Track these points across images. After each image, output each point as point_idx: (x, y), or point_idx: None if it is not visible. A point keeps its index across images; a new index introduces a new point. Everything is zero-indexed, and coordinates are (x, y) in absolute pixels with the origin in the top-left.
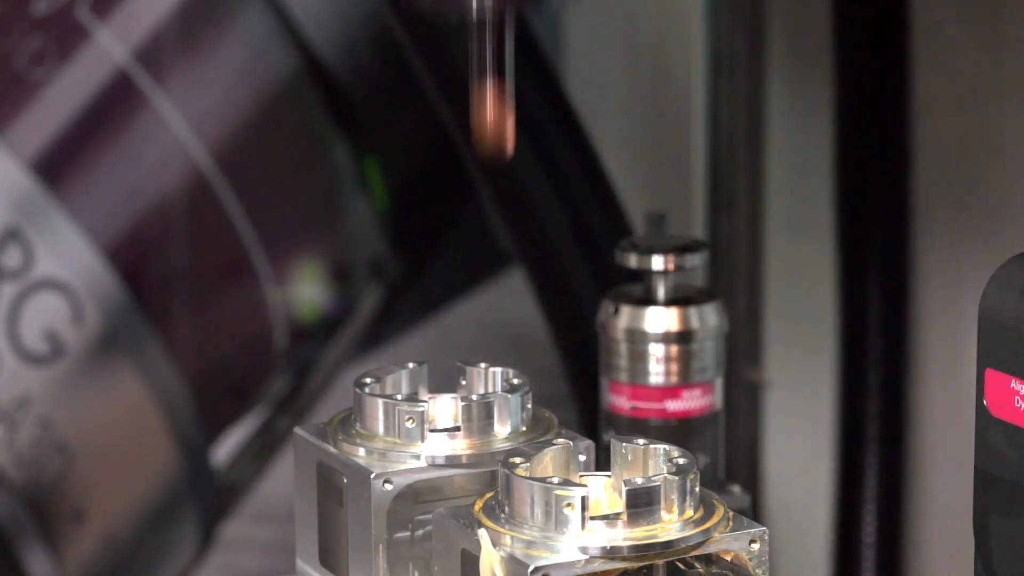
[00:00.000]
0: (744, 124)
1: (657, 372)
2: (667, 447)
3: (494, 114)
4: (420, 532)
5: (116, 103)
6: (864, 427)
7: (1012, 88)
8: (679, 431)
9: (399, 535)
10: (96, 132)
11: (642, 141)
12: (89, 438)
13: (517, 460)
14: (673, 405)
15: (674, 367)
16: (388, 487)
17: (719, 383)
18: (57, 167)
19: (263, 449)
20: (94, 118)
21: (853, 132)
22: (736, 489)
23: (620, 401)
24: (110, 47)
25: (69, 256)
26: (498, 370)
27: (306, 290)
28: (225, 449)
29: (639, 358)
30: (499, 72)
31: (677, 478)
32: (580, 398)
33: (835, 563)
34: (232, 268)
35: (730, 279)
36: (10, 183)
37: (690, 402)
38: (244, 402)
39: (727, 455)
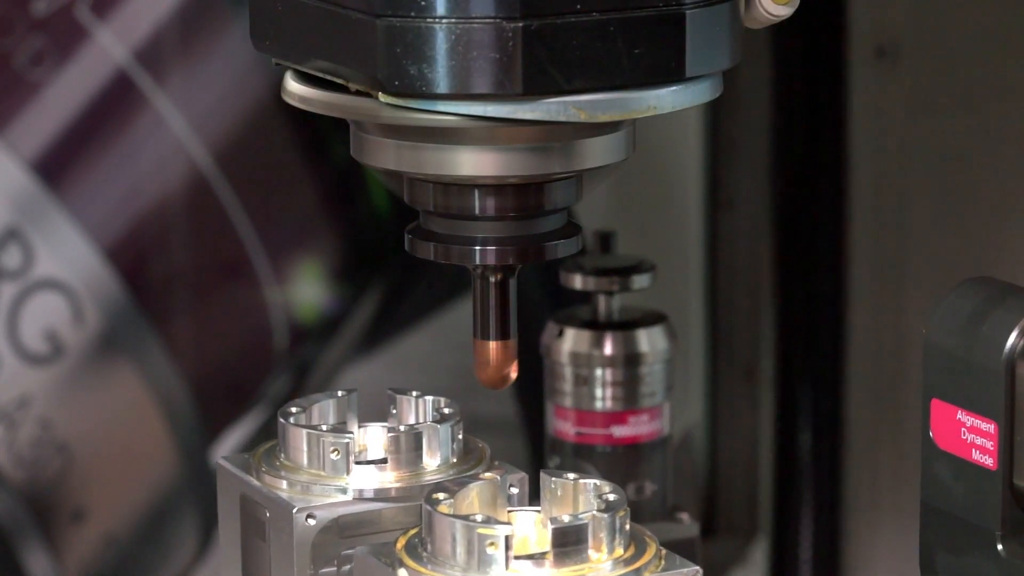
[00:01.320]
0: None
1: (603, 397)
2: (598, 482)
3: (497, 358)
4: (347, 568)
5: (116, 103)
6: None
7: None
8: (626, 457)
9: (324, 570)
10: (96, 132)
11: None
12: (89, 438)
13: (440, 496)
14: (620, 431)
15: (620, 392)
16: (311, 522)
17: (667, 408)
18: (57, 167)
19: None
20: (94, 118)
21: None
22: (684, 516)
23: (565, 427)
24: (110, 47)
25: (69, 256)
26: (429, 399)
27: (306, 290)
28: (225, 449)
29: (584, 382)
30: (503, 324)
31: (606, 515)
32: (528, 424)
33: None
34: (232, 268)
35: (730, 279)
36: (10, 183)
37: (638, 427)
38: (244, 402)
39: (676, 481)
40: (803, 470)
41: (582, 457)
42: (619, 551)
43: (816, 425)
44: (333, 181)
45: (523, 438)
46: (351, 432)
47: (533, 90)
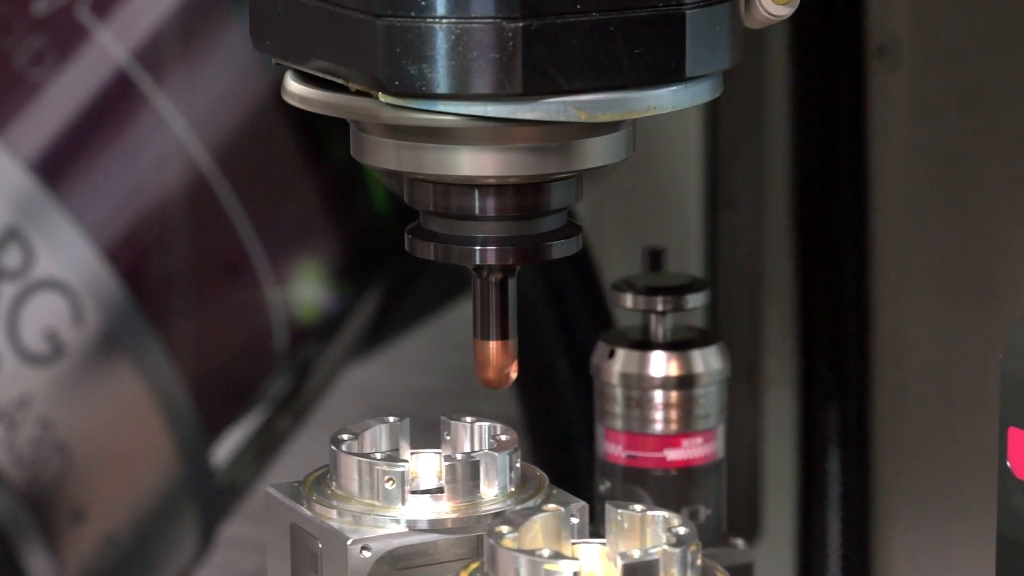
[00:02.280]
0: (744, 124)
1: (656, 419)
2: (667, 515)
3: (497, 358)
4: None
5: (116, 103)
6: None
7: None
8: (679, 481)
9: None
10: (96, 132)
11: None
12: (89, 438)
13: (504, 530)
14: (673, 454)
15: (674, 414)
16: (366, 554)
17: (721, 430)
18: (57, 167)
19: (263, 449)
20: (94, 118)
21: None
22: (739, 542)
23: (616, 450)
24: (110, 47)
25: (69, 256)
26: (485, 425)
27: (306, 290)
28: (225, 449)
29: (636, 404)
30: (503, 324)
31: (678, 551)
32: (533, 430)
33: None
34: (232, 268)
35: (730, 279)
36: (10, 183)
37: (691, 451)
38: (244, 402)
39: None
40: (829, 481)
41: (633, 481)
42: None
43: (841, 434)
44: (333, 181)
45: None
46: (405, 460)
47: (533, 90)
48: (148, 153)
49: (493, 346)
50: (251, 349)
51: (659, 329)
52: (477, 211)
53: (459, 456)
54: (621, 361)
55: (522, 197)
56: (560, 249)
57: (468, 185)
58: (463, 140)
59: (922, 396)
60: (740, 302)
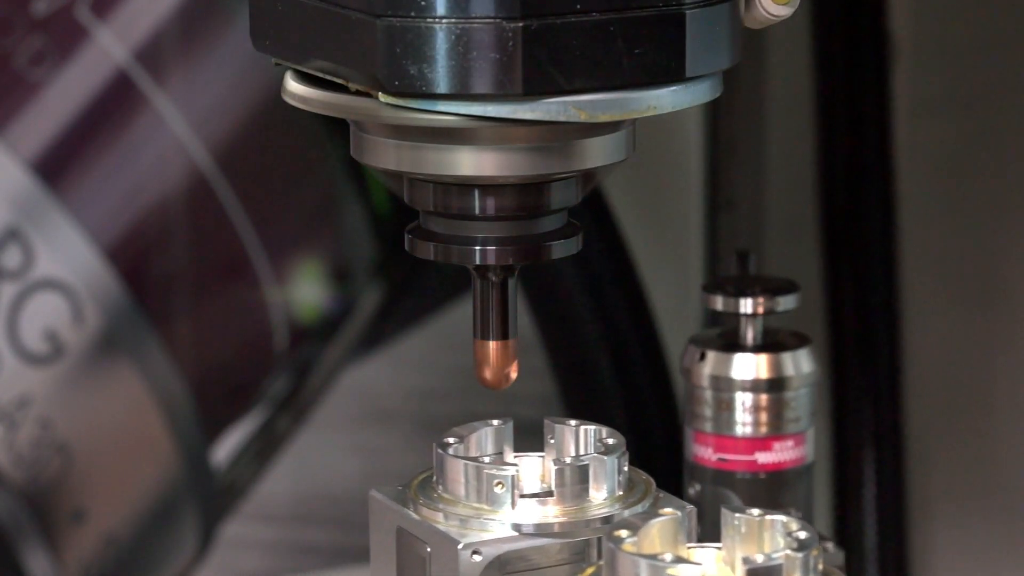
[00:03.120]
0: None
1: (745, 422)
2: (784, 519)
3: (497, 358)
4: None
5: (116, 103)
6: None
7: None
8: (769, 484)
9: None
10: (96, 132)
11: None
12: (89, 438)
13: (623, 534)
14: (764, 457)
15: (764, 417)
16: (477, 558)
17: (811, 433)
18: (57, 167)
19: (263, 449)
20: (94, 118)
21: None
22: (830, 546)
23: (705, 452)
24: (110, 47)
25: (69, 256)
26: (590, 428)
27: (306, 290)
28: (225, 449)
29: (726, 407)
30: (503, 324)
31: (800, 555)
32: (664, 448)
33: None
34: (232, 268)
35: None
36: (10, 183)
37: (782, 454)
38: (244, 402)
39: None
40: (864, 482)
41: (722, 484)
42: None
43: (875, 435)
44: (333, 181)
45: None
46: (515, 464)
47: (533, 90)
48: (148, 153)
49: (493, 346)
50: (251, 349)
51: (749, 331)
52: (477, 211)
53: (567, 460)
54: (711, 363)
55: (522, 197)
56: (560, 249)
57: (468, 185)
58: (463, 140)
59: (954, 395)
60: None
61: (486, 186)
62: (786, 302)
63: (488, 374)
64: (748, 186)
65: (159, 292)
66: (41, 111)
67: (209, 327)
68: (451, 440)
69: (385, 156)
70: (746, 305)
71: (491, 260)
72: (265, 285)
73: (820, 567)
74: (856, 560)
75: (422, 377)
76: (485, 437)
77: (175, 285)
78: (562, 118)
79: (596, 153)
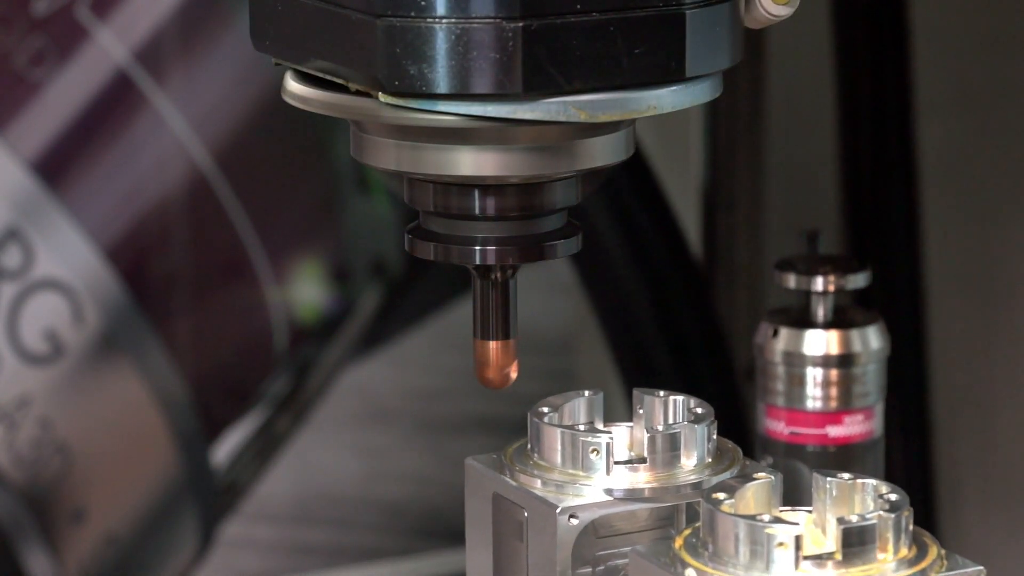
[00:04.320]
0: (744, 124)
1: (816, 397)
2: (875, 482)
3: (497, 358)
4: (601, 568)
5: (116, 103)
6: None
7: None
8: (838, 458)
9: (581, 571)
10: (96, 132)
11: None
12: (89, 438)
13: (721, 496)
14: (835, 431)
15: (834, 392)
16: (574, 522)
17: (880, 408)
18: (57, 167)
19: (263, 449)
20: (94, 118)
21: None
22: None
23: (777, 426)
24: (110, 47)
25: (69, 256)
26: (679, 398)
27: (306, 290)
28: (225, 449)
29: (798, 382)
30: (503, 324)
31: (893, 515)
32: (733, 422)
33: None
34: (232, 268)
35: (730, 279)
36: (10, 183)
37: (851, 428)
38: (244, 402)
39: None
40: (894, 471)
41: (794, 456)
42: (903, 551)
43: (904, 428)
44: (333, 181)
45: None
46: (609, 432)
47: (533, 90)
48: (148, 153)
49: (493, 346)
50: (251, 349)
51: (820, 308)
52: (477, 211)
53: (660, 428)
54: (784, 339)
55: (522, 197)
56: (560, 249)
57: (468, 185)
58: (463, 140)
59: (977, 386)
60: (740, 302)
61: (486, 186)
62: (856, 280)
63: (488, 374)
64: (748, 186)
65: (159, 292)
66: (41, 111)
67: (209, 327)
68: (545, 409)
69: (385, 156)
70: (817, 283)
71: (491, 260)
72: (265, 285)
73: (911, 527)
74: None
75: (422, 377)
76: (578, 407)
77: (175, 285)
78: (562, 118)
79: (596, 153)
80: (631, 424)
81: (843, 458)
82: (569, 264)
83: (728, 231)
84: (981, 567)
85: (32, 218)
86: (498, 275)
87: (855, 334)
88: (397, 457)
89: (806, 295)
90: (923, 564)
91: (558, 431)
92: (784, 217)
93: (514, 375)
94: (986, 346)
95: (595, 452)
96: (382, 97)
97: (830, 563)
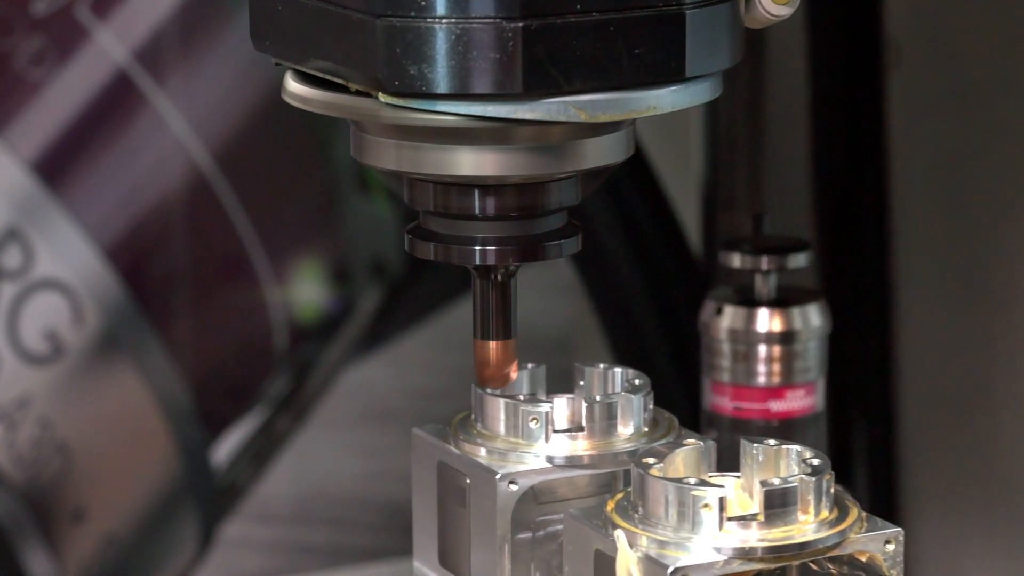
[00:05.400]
0: (744, 124)
1: (759, 372)
2: (799, 448)
3: (497, 358)
4: (542, 533)
5: (116, 103)
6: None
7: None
8: (781, 432)
9: (520, 535)
10: (96, 132)
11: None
12: (89, 438)
13: (651, 460)
14: (777, 406)
15: (777, 368)
16: (513, 487)
17: (821, 383)
18: (57, 167)
19: (263, 449)
20: (94, 118)
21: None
22: (839, 488)
23: (722, 402)
24: (110, 47)
25: (69, 256)
26: (618, 371)
27: (306, 290)
28: (225, 449)
29: (742, 358)
30: (503, 324)
31: (814, 479)
32: (681, 398)
33: None
34: (232, 268)
35: (730, 280)
36: (10, 183)
37: (793, 403)
38: (244, 402)
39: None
40: (857, 471)
41: (738, 431)
42: (825, 513)
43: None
44: (333, 181)
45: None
46: (548, 402)
47: (533, 90)
48: (148, 153)
49: (493, 346)
50: (251, 349)
51: (764, 287)
52: (477, 211)
53: (598, 397)
54: (728, 317)
55: (522, 197)
56: (561, 249)
57: (468, 185)
58: (463, 140)
59: (947, 388)
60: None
61: (486, 186)
62: (796, 259)
63: (488, 374)
64: (748, 186)
65: (159, 292)
66: (41, 111)
67: (209, 327)
68: None
69: (385, 156)
70: (760, 262)
71: (491, 260)
72: (265, 285)
73: (832, 490)
74: None
75: (422, 377)
76: (520, 379)
77: (175, 285)
78: (562, 118)
79: (596, 153)
80: (573, 396)
81: (786, 432)
82: (569, 264)
83: (728, 231)
84: (899, 528)
85: (32, 218)
86: (498, 275)
87: (796, 312)
88: (397, 457)
89: (750, 274)
90: (843, 525)
91: (500, 401)
92: (784, 216)
93: (514, 375)
94: (958, 352)
95: (535, 421)
96: (382, 97)
97: (754, 524)
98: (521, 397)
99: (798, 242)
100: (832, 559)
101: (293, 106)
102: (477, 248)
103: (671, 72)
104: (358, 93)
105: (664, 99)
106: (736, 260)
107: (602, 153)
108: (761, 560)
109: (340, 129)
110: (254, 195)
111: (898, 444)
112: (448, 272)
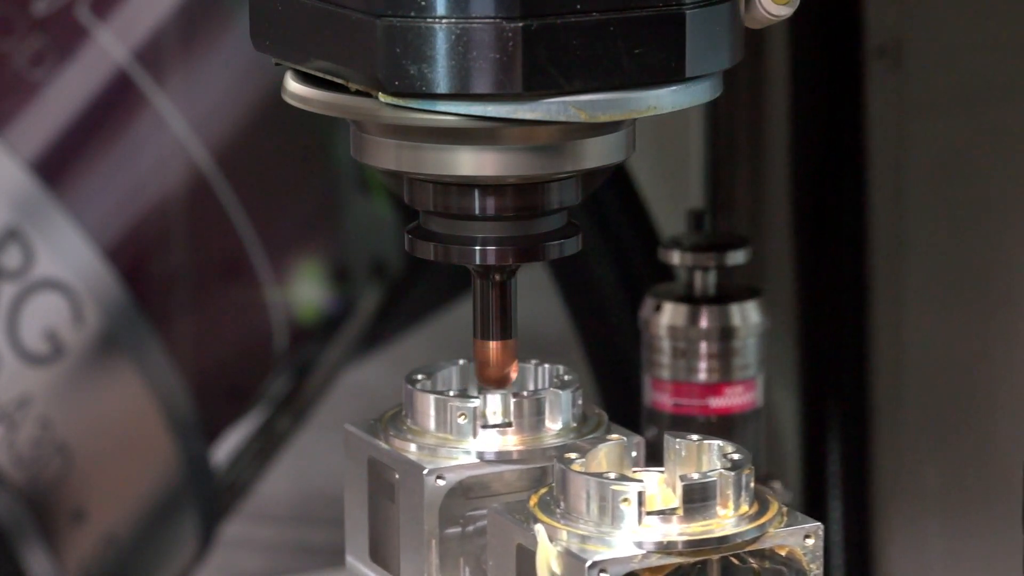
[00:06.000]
0: (744, 124)
1: (698, 369)
2: (721, 443)
3: (497, 358)
4: (471, 528)
5: (116, 103)
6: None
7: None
8: (721, 428)
9: (450, 530)
10: (96, 132)
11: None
12: (89, 438)
13: (573, 456)
14: (716, 402)
15: (716, 364)
16: (441, 482)
17: (760, 380)
18: (57, 167)
19: (263, 449)
20: (94, 118)
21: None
22: (778, 485)
23: (662, 398)
24: (110, 47)
25: (69, 256)
26: (548, 367)
27: (306, 290)
28: (225, 449)
29: (682, 355)
30: (503, 324)
31: (733, 473)
32: (607, 394)
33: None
34: (232, 268)
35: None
36: (10, 183)
37: (732, 399)
38: (244, 402)
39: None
40: (830, 479)
41: (679, 427)
42: (744, 508)
43: (844, 435)
44: (333, 181)
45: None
46: (477, 397)
47: (533, 90)
48: (148, 153)
49: (493, 346)
50: (251, 349)
51: (703, 284)
52: (477, 211)
53: (526, 393)
54: (668, 314)
55: (522, 197)
56: (560, 249)
57: (468, 185)
58: (463, 140)
59: (920, 390)
60: None
61: (486, 186)
62: (735, 257)
63: (488, 374)
64: (748, 186)
65: (159, 292)
66: (41, 111)
67: (209, 327)
68: (419, 376)
69: (385, 156)
70: (699, 259)
71: (491, 260)
72: (265, 285)
73: (751, 485)
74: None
75: None
76: (451, 375)
77: (175, 285)
78: (562, 118)
79: (596, 153)
80: (505, 392)
81: (726, 428)
82: (544, 265)
83: (728, 231)
84: (819, 523)
85: (32, 218)
86: (498, 275)
87: (735, 308)
88: None
89: (689, 271)
90: (763, 520)
91: (430, 397)
92: (783, 216)
93: (514, 375)
94: (931, 351)
95: (463, 416)
96: (382, 97)
97: (674, 518)
98: (451, 393)
99: (738, 239)
100: (753, 553)
101: (293, 106)
102: (477, 248)
103: (671, 72)
104: (358, 93)
105: (664, 99)
106: (675, 257)
107: (602, 153)
108: (680, 554)
109: (340, 129)
110: (254, 195)
111: (872, 445)
112: (448, 272)
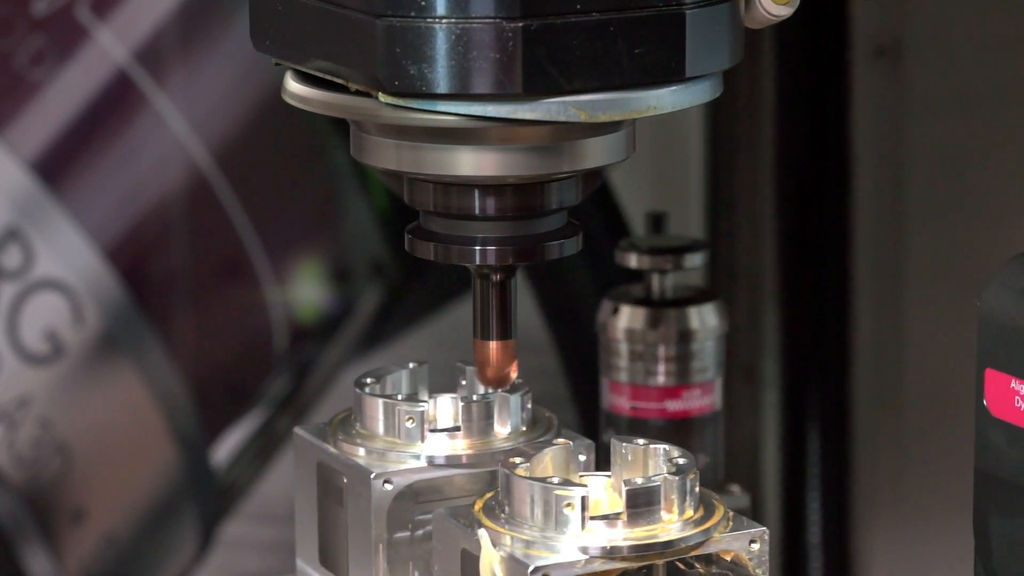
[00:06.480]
0: (744, 124)
1: (655, 372)
2: (667, 447)
3: (497, 358)
4: (420, 532)
5: (116, 103)
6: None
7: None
8: (679, 431)
9: (399, 535)
10: (96, 132)
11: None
12: (89, 438)
13: (517, 460)
14: (673, 405)
15: (673, 367)
16: (388, 487)
17: (719, 383)
18: (57, 167)
19: (263, 449)
20: (94, 118)
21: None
22: (736, 489)
23: (620, 401)
24: (110, 47)
25: (69, 256)
26: None
27: (306, 290)
28: (225, 449)
29: (639, 358)
30: (503, 324)
31: (677, 478)
32: (579, 399)
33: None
34: (232, 268)
35: (731, 279)
36: (10, 183)
37: (690, 402)
38: (244, 402)
39: (727, 455)
40: (810, 469)
41: (636, 431)
42: (689, 512)
43: (824, 426)
44: (333, 181)
45: (574, 415)
46: (425, 401)
47: (533, 90)
48: (148, 153)
49: (493, 346)
50: (251, 349)
51: (661, 287)
52: (477, 211)
53: (475, 397)
54: (625, 317)
55: (522, 197)
56: (560, 249)
57: (468, 185)
58: (463, 140)
59: (902, 392)
60: (741, 302)
61: (486, 186)
62: (692, 260)
63: (488, 374)
64: (748, 186)
65: (159, 292)
66: (41, 111)
67: (209, 327)
68: (368, 380)
69: (385, 156)
70: (655, 262)
71: (491, 260)
72: (265, 285)
73: (696, 490)
74: (800, 546)
75: None
76: (400, 378)
77: (175, 285)
78: (562, 118)
79: (596, 153)
80: (455, 395)
81: (683, 431)
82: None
83: (728, 231)
84: (764, 528)
85: (32, 218)
86: (497, 275)
87: (693, 312)
88: None
89: (647, 274)
90: (707, 524)
91: (379, 401)
92: (788, 219)
93: (514, 375)
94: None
95: (410, 420)
96: (382, 97)
97: (618, 523)
98: (399, 397)
99: (695, 242)
100: (700, 558)
101: (293, 106)
102: (477, 248)
103: (671, 72)
104: (358, 93)
105: (664, 99)
106: (632, 260)
107: (602, 153)
108: (625, 559)
109: (340, 129)
110: (254, 195)
111: (853, 446)
112: (448, 272)
